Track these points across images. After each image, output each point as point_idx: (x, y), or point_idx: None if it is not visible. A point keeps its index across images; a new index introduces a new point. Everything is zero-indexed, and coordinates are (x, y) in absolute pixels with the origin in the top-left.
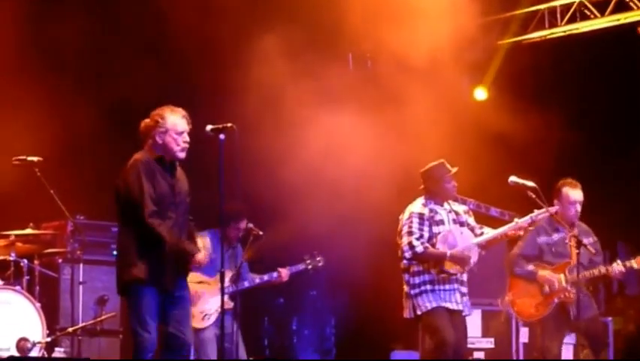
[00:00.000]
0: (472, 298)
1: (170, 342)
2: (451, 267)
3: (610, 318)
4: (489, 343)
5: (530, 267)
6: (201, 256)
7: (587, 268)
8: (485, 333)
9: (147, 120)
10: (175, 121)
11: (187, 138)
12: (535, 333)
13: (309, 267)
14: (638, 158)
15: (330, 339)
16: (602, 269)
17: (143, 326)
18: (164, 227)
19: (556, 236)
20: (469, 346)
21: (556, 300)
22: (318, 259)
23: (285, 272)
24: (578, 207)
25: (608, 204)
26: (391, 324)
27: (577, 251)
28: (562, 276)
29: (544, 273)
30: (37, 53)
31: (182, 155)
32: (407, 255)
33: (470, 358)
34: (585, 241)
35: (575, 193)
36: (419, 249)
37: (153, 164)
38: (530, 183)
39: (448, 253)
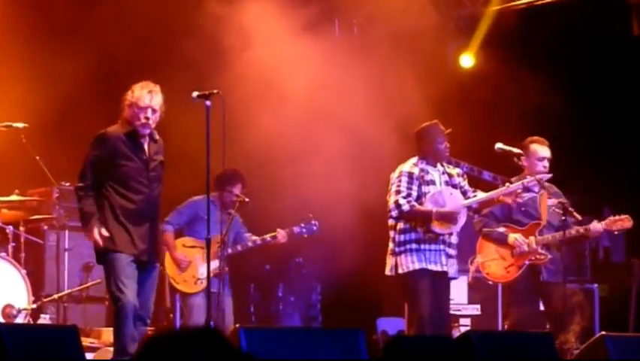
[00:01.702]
0: (458, 264)
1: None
2: (437, 226)
3: (596, 285)
4: (475, 310)
5: (501, 229)
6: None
7: (558, 229)
8: (471, 300)
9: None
10: (139, 95)
11: (148, 114)
12: (505, 300)
13: (303, 230)
14: (625, 123)
15: (315, 306)
16: (580, 229)
17: (120, 288)
18: (86, 201)
19: (526, 196)
20: (456, 313)
21: (527, 262)
22: (313, 222)
23: (282, 233)
24: (546, 164)
25: (594, 170)
26: (377, 291)
27: (563, 218)
28: (532, 238)
29: (515, 236)
30: (24, 19)
31: (143, 130)
32: (394, 213)
33: (455, 324)
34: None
35: (543, 150)
36: (405, 207)
37: (122, 139)
38: (516, 150)
39: (434, 210)
